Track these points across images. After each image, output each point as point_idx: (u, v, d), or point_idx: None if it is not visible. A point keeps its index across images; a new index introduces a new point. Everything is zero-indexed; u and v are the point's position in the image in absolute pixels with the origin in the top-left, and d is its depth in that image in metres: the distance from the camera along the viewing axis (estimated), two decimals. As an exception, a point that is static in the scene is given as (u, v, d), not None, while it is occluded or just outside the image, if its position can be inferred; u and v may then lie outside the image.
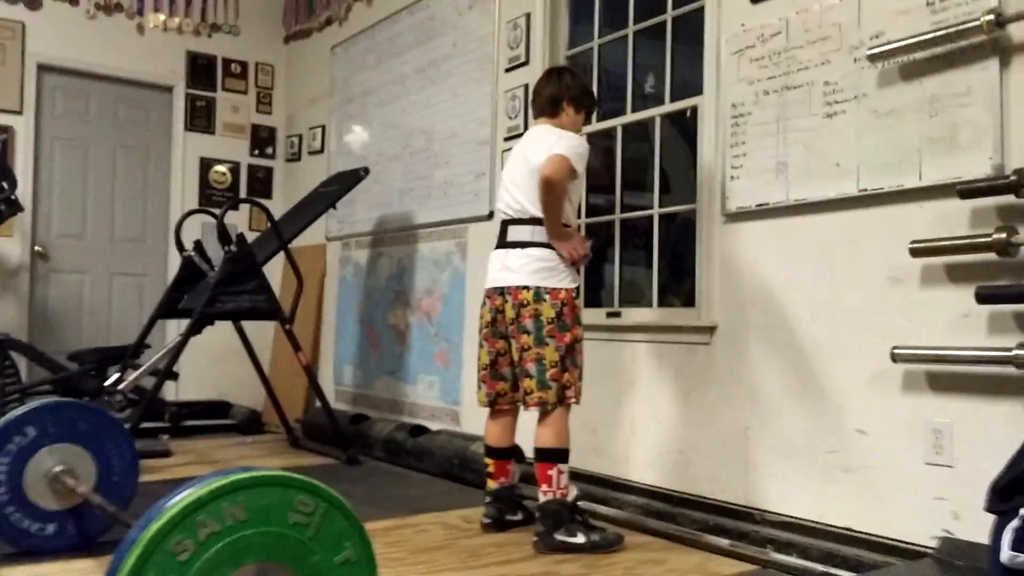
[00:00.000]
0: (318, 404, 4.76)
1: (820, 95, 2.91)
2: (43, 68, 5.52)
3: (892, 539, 2.58)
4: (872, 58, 2.72)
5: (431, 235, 4.84)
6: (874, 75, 2.75)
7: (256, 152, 6.32)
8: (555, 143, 2.91)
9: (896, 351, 2.57)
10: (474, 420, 4.26)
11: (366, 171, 4.94)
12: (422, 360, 4.82)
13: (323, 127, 5.96)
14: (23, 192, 5.17)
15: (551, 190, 2.86)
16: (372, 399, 5.22)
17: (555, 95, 3.10)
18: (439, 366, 4.68)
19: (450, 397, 4.56)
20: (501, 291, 3.04)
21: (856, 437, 2.73)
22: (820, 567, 2.61)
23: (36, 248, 5.50)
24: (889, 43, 2.67)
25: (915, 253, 2.56)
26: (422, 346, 4.84)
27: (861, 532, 2.66)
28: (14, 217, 5.01)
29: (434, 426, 4.55)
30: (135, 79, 5.87)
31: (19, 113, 5.40)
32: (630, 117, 3.78)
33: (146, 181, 5.97)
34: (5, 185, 4.74)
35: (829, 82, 2.89)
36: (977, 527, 2.26)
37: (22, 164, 5.38)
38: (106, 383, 4.25)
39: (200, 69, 6.09)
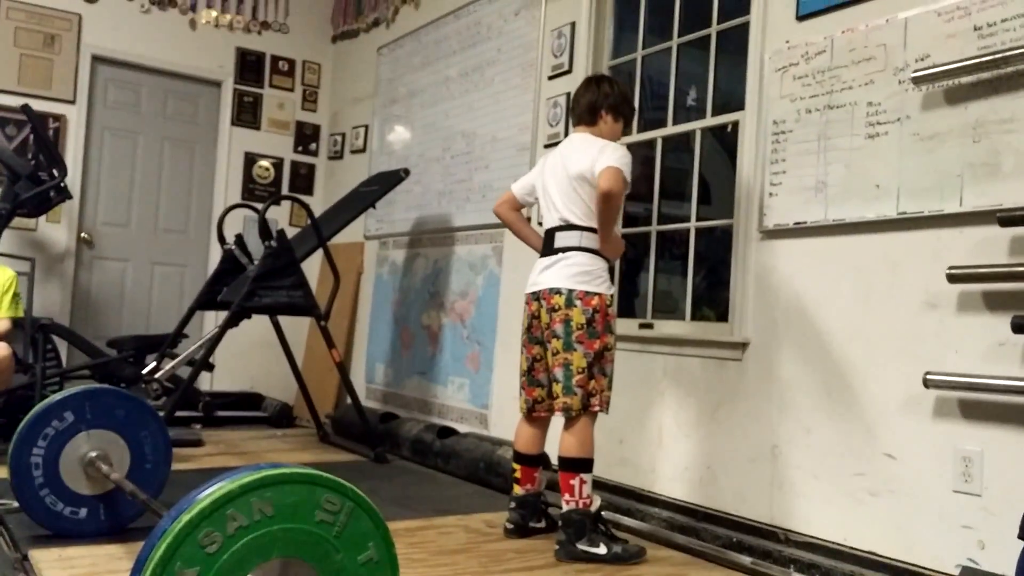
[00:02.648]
0: (349, 401, 4.81)
1: (863, 115, 2.89)
2: (97, 59, 5.65)
3: (916, 565, 2.56)
4: (917, 81, 2.69)
5: (468, 238, 4.87)
6: (918, 98, 2.73)
7: (300, 149, 6.41)
8: (601, 154, 2.91)
9: (929, 377, 2.55)
10: (502, 424, 4.28)
11: (407, 172, 4.98)
12: (453, 362, 4.86)
13: (366, 127, 6.03)
14: (72, 180, 5.30)
15: (610, 202, 2.88)
16: (402, 398, 5.27)
17: (593, 103, 3.10)
18: (470, 369, 4.71)
19: (480, 400, 4.59)
20: (537, 296, 3.06)
21: (885, 461, 2.71)
22: (842, 590, 2.60)
23: (82, 235, 5.63)
24: (935, 66, 2.64)
25: (953, 279, 2.53)
26: (454, 348, 4.87)
27: (885, 557, 2.64)
28: (62, 204, 5.13)
29: (462, 428, 4.58)
30: (185, 73, 5.98)
31: (72, 103, 5.54)
32: (671, 129, 3.78)
33: (191, 174, 6.09)
34: (56, 173, 4.86)
35: (872, 103, 2.87)
36: (1003, 557, 2.23)
37: (72, 152, 5.51)
38: (143, 371, 4.33)
39: (249, 65, 6.20)
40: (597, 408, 2.95)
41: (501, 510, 3.26)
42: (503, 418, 4.29)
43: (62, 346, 4.96)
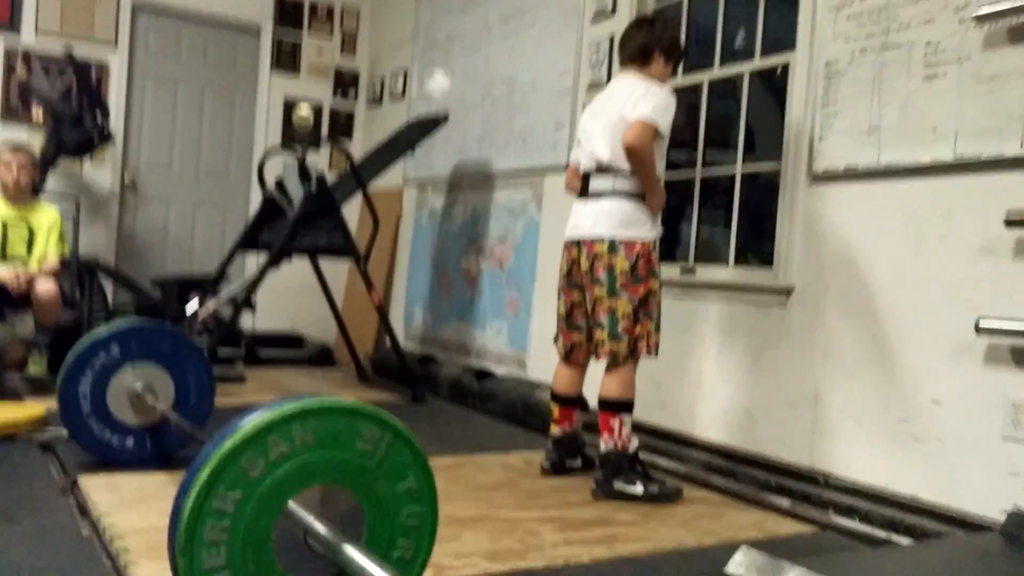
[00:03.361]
0: (388, 343, 4.84)
1: (920, 56, 2.79)
2: (138, 7, 5.65)
3: (960, 511, 2.52)
4: (979, 19, 2.58)
5: (507, 183, 4.83)
6: (980, 37, 2.61)
7: (339, 95, 6.38)
8: (639, 101, 2.85)
9: (981, 323, 2.48)
10: (540, 367, 4.29)
11: (446, 117, 4.94)
12: (492, 306, 4.86)
13: (405, 72, 5.98)
14: (115, 125, 5.34)
15: (635, 157, 2.83)
16: (440, 341, 5.29)
17: (646, 44, 3.02)
18: (509, 313, 4.71)
19: (518, 344, 4.59)
20: (577, 243, 3.02)
21: (931, 407, 2.66)
22: (882, 533, 2.59)
23: (126, 177, 5.68)
24: (998, 4, 2.53)
25: (1010, 223, 2.45)
26: (493, 293, 4.87)
27: (927, 502, 2.61)
28: (105, 147, 5.17)
29: (500, 371, 4.59)
30: (224, 20, 5.96)
31: (114, 49, 5.54)
32: (718, 72, 3.68)
33: (232, 120, 6.10)
34: (99, 116, 4.89)
35: (931, 43, 2.76)
36: (1052, 508, 2.19)
37: (115, 99, 5.54)
38: (187, 310, 4.39)
39: (288, 11, 6.15)
40: (644, 352, 2.93)
41: (538, 449, 3.28)
42: (541, 361, 4.28)
43: (107, 286, 5.04)
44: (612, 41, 4.05)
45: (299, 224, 4.32)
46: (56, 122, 4.83)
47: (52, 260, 4.12)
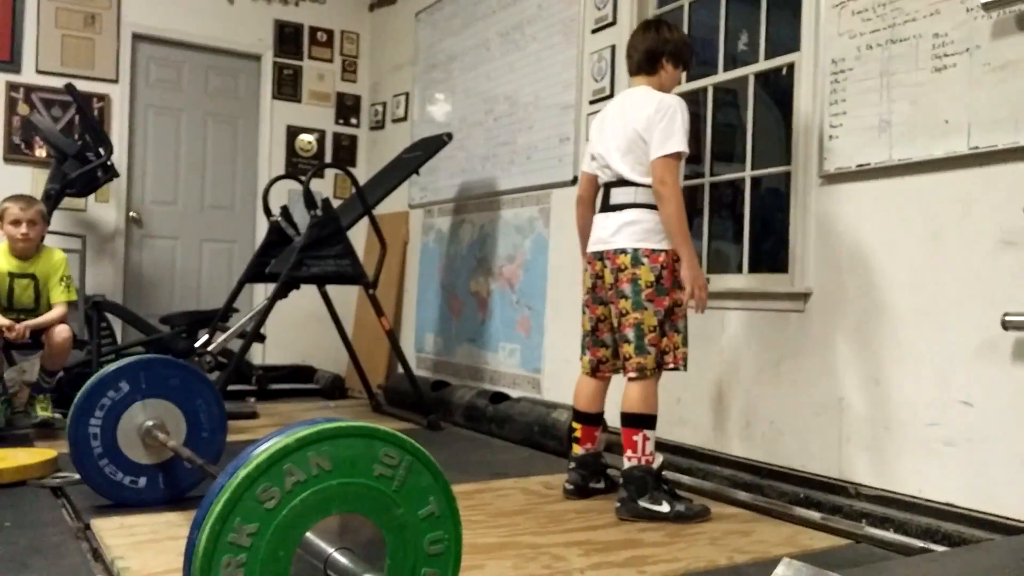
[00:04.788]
0: (400, 370, 4.79)
1: (928, 48, 2.74)
2: (138, 38, 5.65)
3: (998, 516, 2.44)
4: (987, 7, 2.54)
5: (514, 201, 4.79)
6: (988, 25, 2.57)
7: (341, 120, 6.37)
8: (655, 128, 2.80)
9: (1007, 318, 2.42)
10: (555, 387, 4.22)
11: (449, 136, 4.91)
12: (504, 327, 4.80)
13: (407, 94, 5.96)
14: (119, 159, 5.33)
15: (667, 202, 2.79)
16: (453, 366, 5.23)
17: (653, 50, 2.97)
18: (520, 334, 4.65)
19: (531, 364, 4.53)
20: (600, 256, 2.97)
21: (960, 409, 2.58)
22: (919, 542, 2.50)
23: (131, 214, 5.67)
24: (1007, -11, 2.49)
25: (1032, 214, 2.39)
26: (504, 313, 4.81)
27: (964, 508, 2.53)
28: (110, 183, 5.15)
29: (515, 393, 4.53)
30: (225, 48, 5.96)
31: (115, 82, 5.55)
32: (722, 76, 3.64)
33: (235, 149, 6.08)
34: (102, 151, 4.88)
35: (939, 34, 2.71)
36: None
37: (118, 131, 5.53)
38: (196, 345, 4.35)
39: (287, 37, 6.15)
40: (672, 366, 2.87)
41: (558, 472, 3.21)
42: (556, 381, 4.22)
43: (116, 324, 5.01)
44: (614, 51, 4.02)
45: (306, 250, 4.28)
46: (60, 160, 4.81)
47: (61, 306, 4.05)
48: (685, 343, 2.90)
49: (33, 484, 3.00)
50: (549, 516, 2.80)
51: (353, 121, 6.41)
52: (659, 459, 2.85)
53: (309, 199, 4.40)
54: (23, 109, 5.24)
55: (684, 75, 3.45)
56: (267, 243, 4.77)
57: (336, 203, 5.24)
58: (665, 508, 2.75)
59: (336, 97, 6.34)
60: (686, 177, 3.82)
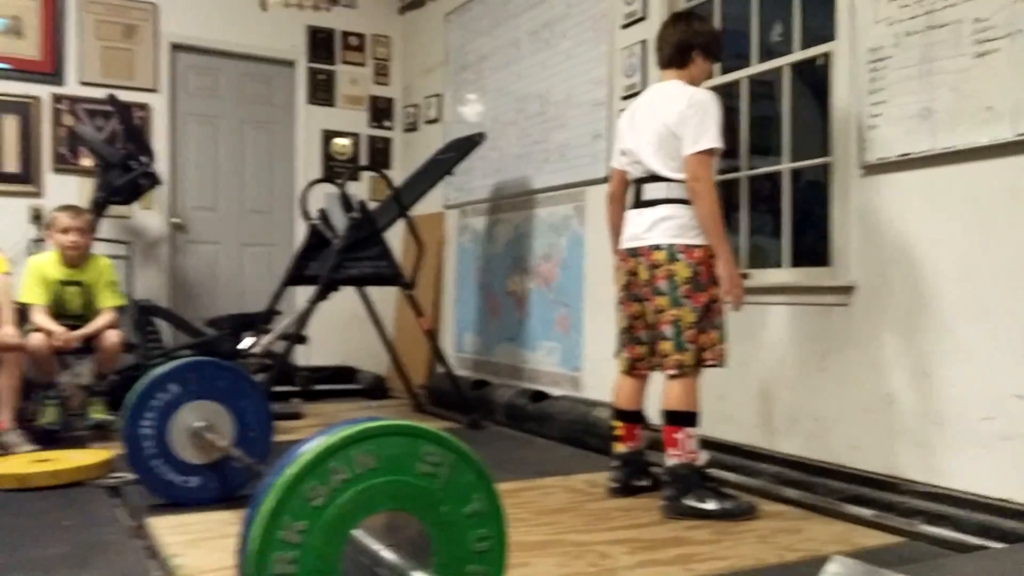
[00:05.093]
0: (440, 370, 4.81)
1: (970, 33, 2.69)
2: (176, 47, 5.75)
3: (1056, 510, 2.39)
4: (1031, -11, 2.49)
5: (548, 199, 4.79)
6: (1033, 8, 2.52)
7: (375, 123, 6.41)
8: (688, 124, 2.78)
9: (1059, 307, 2.36)
10: (595, 385, 4.21)
11: (482, 136, 4.92)
12: (542, 326, 4.80)
13: (439, 96, 5.99)
14: (160, 167, 5.42)
15: (702, 199, 2.77)
16: (492, 365, 5.24)
17: (684, 42, 2.94)
18: (559, 332, 4.64)
19: (571, 363, 4.52)
20: (634, 252, 2.96)
21: (1015, 402, 2.53)
22: (975, 540, 2.44)
23: (173, 220, 5.76)
24: (1052, -30, 2.43)
25: (1082, 200, 2.34)
26: (542, 312, 4.81)
27: (1021, 504, 2.47)
28: (153, 191, 5.25)
29: (555, 392, 4.53)
30: (259, 55, 6.04)
31: (155, 91, 5.65)
32: (756, 68, 3.61)
33: (272, 154, 6.16)
34: (144, 159, 4.97)
35: (980, 18, 2.66)
36: None
37: (159, 140, 5.63)
38: (241, 347, 4.41)
39: (320, 43, 6.21)
40: (711, 362, 2.85)
41: (601, 470, 3.21)
42: (596, 379, 4.21)
43: (163, 329, 5.09)
44: (645, 46, 4.00)
45: (344, 252, 4.32)
46: (105, 168, 4.92)
47: (110, 312, 4.16)
48: (724, 339, 2.88)
49: (90, 484, 3.09)
50: (594, 514, 2.79)
51: (387, 124, 6.45)
52: (704, 457, 2.83)
53: (346, 202, 4.44)
54: (68, 120, 5.35)
55: (716, 68, 3.42)
56: (306, 246, 4.81)
57: (372, 205, 5.28)
58: (711, 506, 2.73)
59: (369, 100, 6.39)
60: (722, 171, 3.79)
